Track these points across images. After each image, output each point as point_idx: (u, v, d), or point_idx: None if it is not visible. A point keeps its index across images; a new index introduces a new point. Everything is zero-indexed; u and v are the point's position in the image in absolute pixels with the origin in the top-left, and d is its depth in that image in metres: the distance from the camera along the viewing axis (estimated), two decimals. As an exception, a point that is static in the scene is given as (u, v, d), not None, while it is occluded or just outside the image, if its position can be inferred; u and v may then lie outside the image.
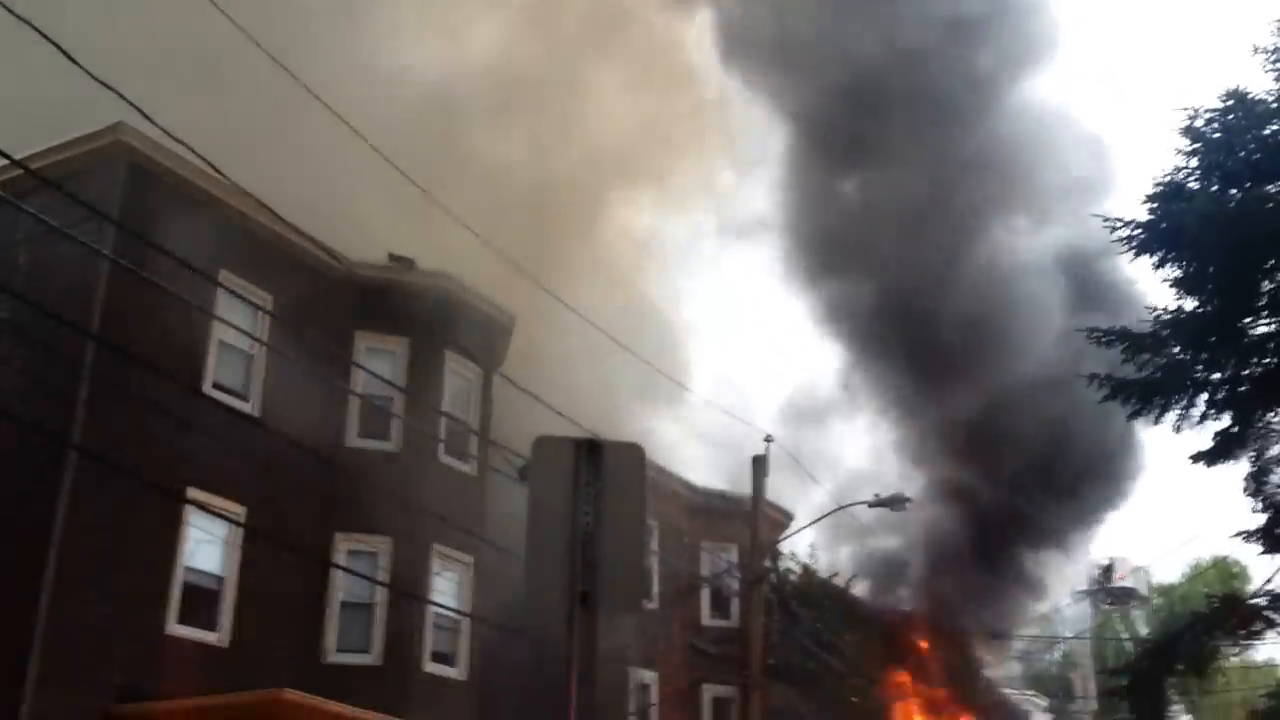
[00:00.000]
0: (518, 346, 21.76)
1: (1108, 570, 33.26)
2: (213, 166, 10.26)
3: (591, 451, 4.88)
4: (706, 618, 26.96)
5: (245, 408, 17.17)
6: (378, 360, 18.62)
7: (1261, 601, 11.99)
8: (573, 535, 4.80)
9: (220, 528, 16.29)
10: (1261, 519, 12.05)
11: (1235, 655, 12.75)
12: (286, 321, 16.65)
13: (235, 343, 17.13)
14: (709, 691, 26.03)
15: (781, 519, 27.01)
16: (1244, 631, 12.08)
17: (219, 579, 16.57)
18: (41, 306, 11.87)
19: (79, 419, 14.82)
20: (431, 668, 19.05)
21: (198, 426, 15.70)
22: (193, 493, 15.11)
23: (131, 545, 15.29)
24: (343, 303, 18.67)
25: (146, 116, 9.33)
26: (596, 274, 22.96)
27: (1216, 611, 12.19)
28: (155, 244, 12.09)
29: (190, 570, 16.23)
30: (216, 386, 16.83)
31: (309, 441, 16.19)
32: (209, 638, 16.26)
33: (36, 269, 15.22)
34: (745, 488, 21.68)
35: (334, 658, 17.89)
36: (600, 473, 4.86)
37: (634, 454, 4.95)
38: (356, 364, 16.88)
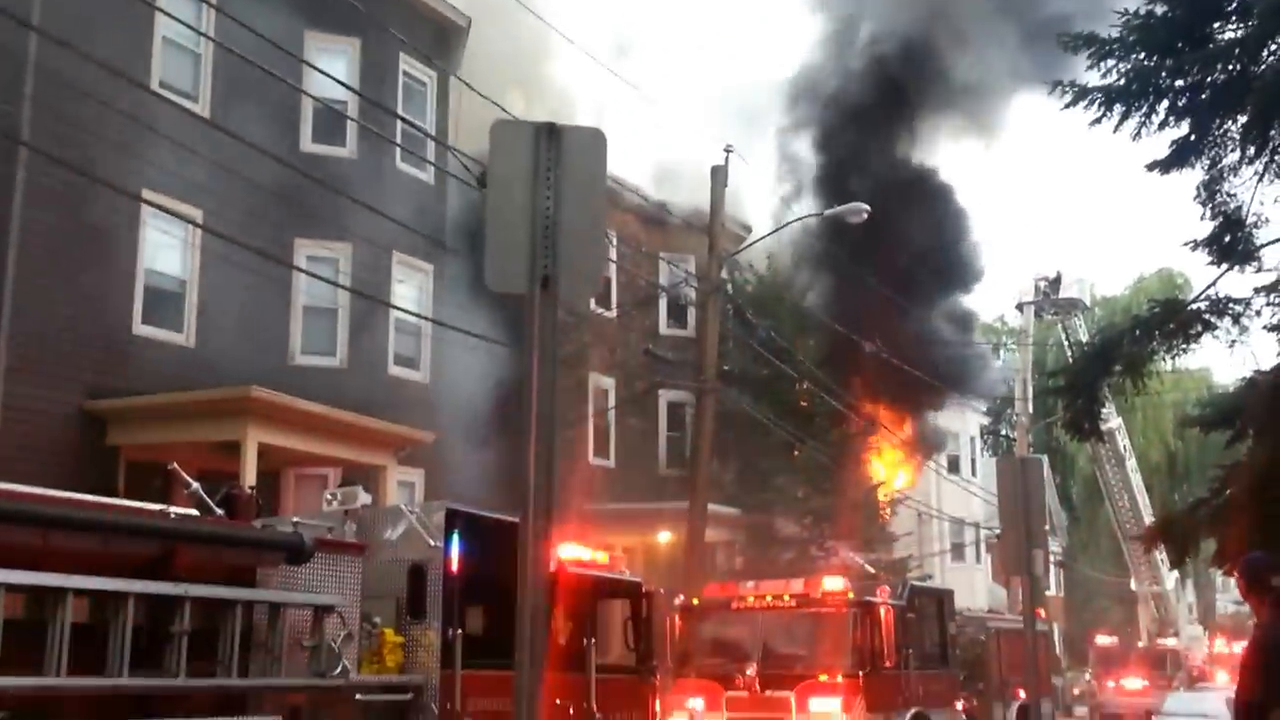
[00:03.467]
0: (474, 51, 21.22)
1: (1055, 282, 33.91)
2: None
3: (551, 135, 4.85)
4: (664, 326, 27.55)
5: (195, 108, 16.77)
6: (329, 60, 18.06)
7: (1202, 306, 12.33)
8: (533, 219, 4.83)
9: (179, 230, 16.23)
10: (1210, 227, 12.26)
11: (1171, 358, 13.15)
12: (232, 18, 16.01)
13: (181, 40, 16.58)
14: (665, 396, 26.90)
15: (740, 231, 27.23)
16: (1182, 335, 12.45)
17: (181, 281, 16.68)
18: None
19: (25, 115, 14.46)
20: (395, 371, 19.54)
21: (149, 127, 15.36)
22: (148, 195, 14.94)
23: (91, 248, 15.28)
24: (290, 1, 17.93)
25: None
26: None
27: (1156, 315, 12.54)
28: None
29: (152, 273, 16.31)
30: (164, 85, 16.36)
31: (263, 145, 15.92)
32: (175, 338, 16.52)
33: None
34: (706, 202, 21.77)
35: (299, 360, 18.27)
36: (560, 157, 4.85)
37: (594, 138, 4.92)
38: (308, 63, 16.36)
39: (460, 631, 9.46)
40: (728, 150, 21.94)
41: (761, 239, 24.41)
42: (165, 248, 16.49)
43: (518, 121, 5.09)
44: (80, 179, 12.80)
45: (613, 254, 23.53)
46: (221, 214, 16.34)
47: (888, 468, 29.19)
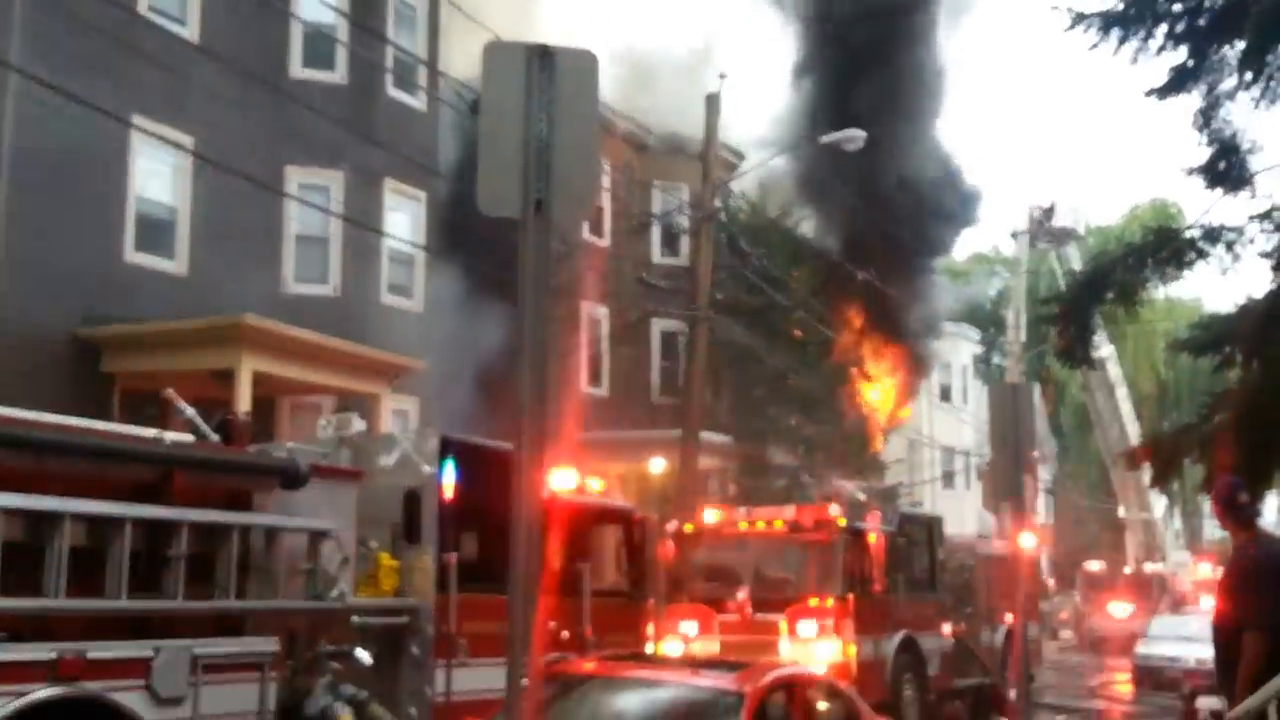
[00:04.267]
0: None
1: (1049, 211, 33.76)
2: None
3: (544, 58, 4.82)
4: (657, 255, 27.51)
5: (184, 33, 16.56)
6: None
7: (1195, 233, 12.34)
8: (525, 142, 4.80)
9: (169, 157, 16.11)
10: (1206, 154, 12.22)
11: (1164, 284, 13.18)
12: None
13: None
14: (658, 325, 26.95)
15: (734, 159, 27.07)
16: (1175, 262, 12.46)
17: (172, 209, 16.59)
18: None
19: (14, 41, 14.29)
20: (388, 299, 19.52)
21: (138, 53, 15.19)
22: (138, 120, 14.81)
23: (81, 174, 15.17)
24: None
25: None
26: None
27: (1150, 243, 12.55)
28: None
29: (143, 200, 16.22)
30: (152, 10, 16.14)
31: (252, 70, 15.77)
32: (167, 266, 16.47)
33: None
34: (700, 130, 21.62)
35: (293, 288, 18.23)
36: (553, 79, 4.82)
37: (587, 61, 4.89)
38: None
39: (455, 556, 9.57)
40: (722, 77, 21.79)
41: (756, 166, 24.29)
42: (156, 175, 16.38)
43: (510, 43, 5.03)
44: (70, 104, 12.66)
45: (605, 181, 23.40)
46: (212, 140, 16.20)
47: (880, 393, 29.33)
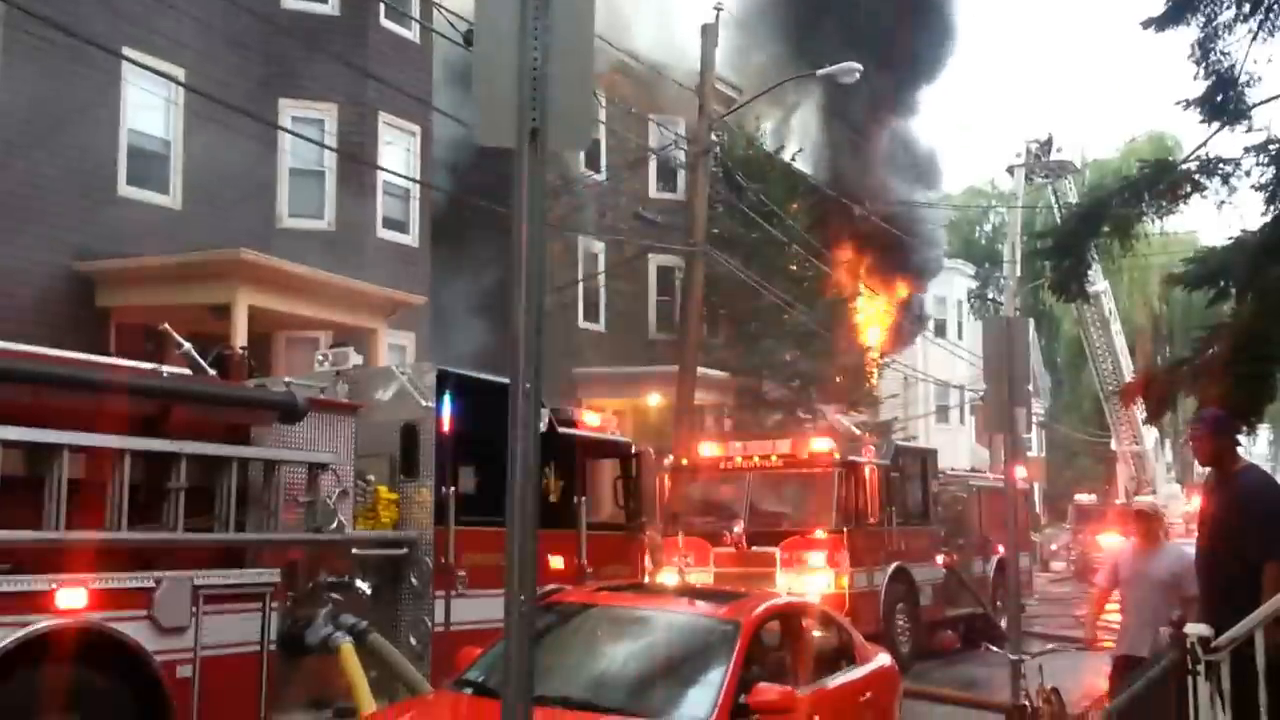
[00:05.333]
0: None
1: (1047, 144, 33.54)
2: None
3: (539, -14, 4.77)
4: (653, 190, 27.38)
5: (174, -36, 16.34)
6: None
7: (1191, 166, 12.24)
8: (521, 72, 4.76)
9: (161, 90, 15.96)
10: (1203, 87, 12.10)
11: (1160, 218, 13.11)
12: None
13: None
14: (654, 261, 26.90)
15: (731, 93, 26.84)
16: (1171, 196, 12.38)
17: (166, 143, 16.48)
18: None
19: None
20: (384, 234, 19.45)
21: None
22: (129, 52, 14.65)
23: (73, 109, 15.04)
24: None
25: None
26: None
27: (1146, 176, 12.45)
28: None
29: (135, 133, 16.11)
30: (140, -60, 15.91)
31: (244, 2, 15.56)
32: (162, 200, 16.40)
33: None
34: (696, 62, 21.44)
35: (287, 223, 18.16)
36: (548, 7, 4.77)
37: (582, -11, 4.84)
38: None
39: (453, 489, 9.65)
40: (717, 9, 21.56)
41: (752, 99, 24.09)
42: (148, 108, 16.25)
43: (504, -29, 4.97)
44: (60, 36, 12.52)
45: (601, 115, 23.23)
46: (204, 73, 16.05)
47: (875, 326, 29.39)
